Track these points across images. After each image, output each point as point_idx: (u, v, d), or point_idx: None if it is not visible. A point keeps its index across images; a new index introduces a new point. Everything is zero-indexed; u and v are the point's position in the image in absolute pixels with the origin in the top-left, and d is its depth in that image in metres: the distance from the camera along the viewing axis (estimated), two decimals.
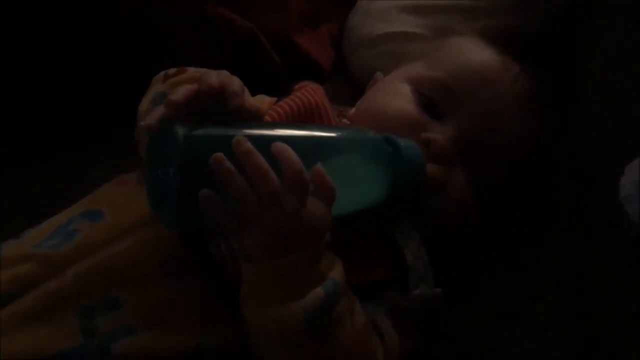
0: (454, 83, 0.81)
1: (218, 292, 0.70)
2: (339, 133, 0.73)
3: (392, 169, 0.72)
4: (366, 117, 0.83)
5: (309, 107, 0.79)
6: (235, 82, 0.70)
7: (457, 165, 0.79)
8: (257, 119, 0.71)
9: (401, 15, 1.06)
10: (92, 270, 0.69)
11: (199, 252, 0.71)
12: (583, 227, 0.79)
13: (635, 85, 0.72)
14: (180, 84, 0.75)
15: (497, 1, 1.02)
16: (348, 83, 1.09)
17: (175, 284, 0.70)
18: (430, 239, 0.76)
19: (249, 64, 1.01)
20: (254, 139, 0.64)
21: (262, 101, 0.82)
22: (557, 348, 0.78)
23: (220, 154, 0.62)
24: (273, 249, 0.65)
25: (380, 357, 0.71)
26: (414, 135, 0.77)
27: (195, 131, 0.64)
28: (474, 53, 0.85)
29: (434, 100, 0.81)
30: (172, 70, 0.80)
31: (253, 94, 0.77)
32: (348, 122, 0.85)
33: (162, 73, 0.81)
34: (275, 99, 0.82)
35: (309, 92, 0.80)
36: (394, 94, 0.83)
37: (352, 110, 0.87)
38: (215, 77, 0.69)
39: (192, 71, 0.80)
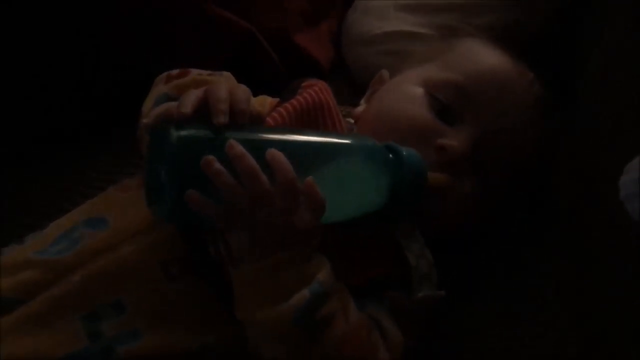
0: (471, 87, 0.80)
1: (218, 292, 0.71)
2: (339, 139, 0.73)
3: (393, 176, 0.71)
4: (376, 120, 0.82)
5: (316, 106, 0.78)
6: (241, 94, 0.69)
7: (464, 168, 0.78)
8: (258, 123, 0.71)
9: (399, 14, 1.06)
10: (96, 276, 0.70)
11: (199, 253, 0.71)
12: (583, 227, 0.79)
13: (635, 85, 0.72)
14: (185, 87, 0.75)
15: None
16: (348, 82, 1.09)
17: (178, 285, 0.71)
18: (431, 238, 0.76)
19: (249, 63, 1.01)
20: (248, 142, 0.65)
21: (263, 101, 0.82)
22: (557, 348, 0.78)
23: (210, 157, 0.63)
24: (258, 250, 0.66)
25: (381, 353, 0.71)
26: (427, 141, 0.77)
27: (190, 133, 0.65)
28: (491, 57, 0.84)
29: (448, 105, 0.80)
30: (174, 72, 0.80)
31: (253, 93, 0.77)
32: (352, 121, 0.85)
33: (164, 74, 0.80)
34: (277, 100, 0.82)
35: (315, 91, 0.79)
36: (407, 98, 0.82)
37: (359, 109, 0.86)
38: (224, 92, 0.68)
39: (195, 73, 0.79)
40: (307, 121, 0.77)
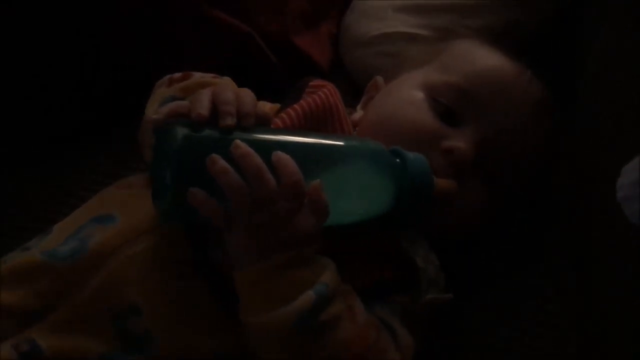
0: (473, 88, 0.80)
1: (225, 294, 0.70)
2: (346, 142, 0.72)
3: (399, 180, 0.71)
4: (376, 126, 0.81)
5: (325, 109, 0.77)
6: (247, 96, 0.69)
7: (469, 172, 0.77)
8: (265, 125, 0.71)
9: (398, 15, 1.06)
10: (108, 280, 0.69)
11: (208, 254, 0.71)
12: (583, 227, 0.79)
13: (635, 85, 0.72)
14: (191, 89, 0.75)
15: None
16: (347, 83, 1.09)
17: (187, 285, 0.70)
18: (434, 238, 0.76)
19: (248, 65, 1.01)
20: (254, 143, 0.65)
21: (263, 107, 0.81)
22: (557, 347, 0.78)
23: (216, 156, 0.63)
24: (257, 251, 0.66)
25: (391, 353, 0.70)
26: (432, 145, 0.76)
27: (196, 133, 0.65)
28: (489, 57, 0.84)
29: (450, 107, 0.79)
30: (177, 75, 0.80)
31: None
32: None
33: (166, 77, 0.80)
34: (278, 105, 0.81)
35: (325, 94, 0.79)
36: (408, 102, 0.81)
37: (357, 115, 0.85)
38: (231, 94, 0.68)
39: (198, 76, 0.79)
40: (316, 124, 0.76)
